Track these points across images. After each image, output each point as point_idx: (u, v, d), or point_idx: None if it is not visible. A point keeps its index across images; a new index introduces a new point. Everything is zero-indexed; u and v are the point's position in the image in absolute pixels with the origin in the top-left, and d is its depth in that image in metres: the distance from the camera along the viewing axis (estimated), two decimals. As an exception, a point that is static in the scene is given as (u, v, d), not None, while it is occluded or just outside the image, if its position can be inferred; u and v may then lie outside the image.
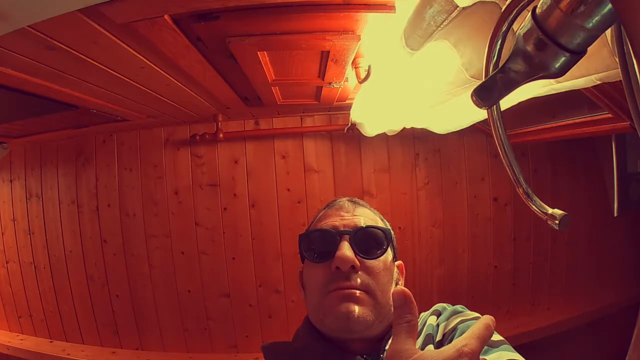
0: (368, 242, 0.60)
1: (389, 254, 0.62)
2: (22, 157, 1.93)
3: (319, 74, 1.09)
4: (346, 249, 0.57)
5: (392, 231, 0.64)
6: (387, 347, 0.56)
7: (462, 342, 0.33)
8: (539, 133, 1.47)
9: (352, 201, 0.68)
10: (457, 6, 0.51)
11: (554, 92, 0.62)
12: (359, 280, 0.56)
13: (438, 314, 0.62)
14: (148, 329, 1.86)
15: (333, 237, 0.59)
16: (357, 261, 0.57)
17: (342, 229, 0.60)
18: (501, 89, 0.31)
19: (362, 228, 0.60)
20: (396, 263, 0.66)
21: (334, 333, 0.57)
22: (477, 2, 0.47)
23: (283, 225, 1.82)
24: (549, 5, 0.26)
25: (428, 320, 0.61)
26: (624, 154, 1.42)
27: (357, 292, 0.55)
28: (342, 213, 0.64)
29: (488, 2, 0.47)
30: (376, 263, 0.59)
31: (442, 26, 0.59)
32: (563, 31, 0.26)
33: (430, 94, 0.88)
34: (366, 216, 0.64)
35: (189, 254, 1.83)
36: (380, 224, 0.65)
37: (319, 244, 0.61)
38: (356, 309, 0.54)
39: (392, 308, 0.59)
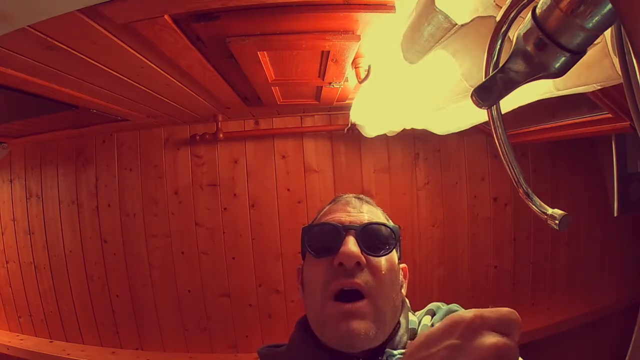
0: (374, 239, 0.56)
1: (395, 255, 0.59)
2: (22, 157, 1.93)
3: (319, 74, 1.09)
4: (351, 244, 0.53)
5: (400, 230, 0.61)
6: (385, 350, 0.55)
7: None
8: (539, 133, 1.48)
9: (358, 198, 0.64)
10: (456, 23, 0.50)
11: (555, 95, 0.62)
12: (362, 278, 0.53)
13: (432, 313, 0.60)
14: (148, 329, 1.86)
15: (338, 232, 0.55)
16: (362, 258, 0.53)
17: (347, 223, 0.57)
18: (501, 89, 0.31)
19: (369, 224, 0.57)
20: (400, 266, 0.63)
21: (332, 346, 0.54)
22: (476, 17, 0.47)
23: (283, 225, 1.82)
24: (549, 5, 0.26)
25: (422, 320, 0.59)
26: (624, 154, 1.42)
27: (360, 305, 0.52)
28: (349, 209, 0.61)
29: (486, 16, 0.46)
30: (382, 262, 0.56)
31: (440, 42, 0.58)
32: (563, 31, 0.26)
33: (430, 101, 0.88)
34: (372, 213, 0.61)
35: (189, 254, 1.83)
36: (387, 222, 0.62)
37: (322, 238, 0.57)
38: (359, 326, 0.51)
39: (396, 312, 0.58)
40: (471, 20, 0.48)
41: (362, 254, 0.54)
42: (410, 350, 0.35)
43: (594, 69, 0.43)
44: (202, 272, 1.83)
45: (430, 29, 0.55)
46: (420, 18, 0.55)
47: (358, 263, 0.53)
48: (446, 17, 0.49)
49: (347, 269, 0.53)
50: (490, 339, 0.30)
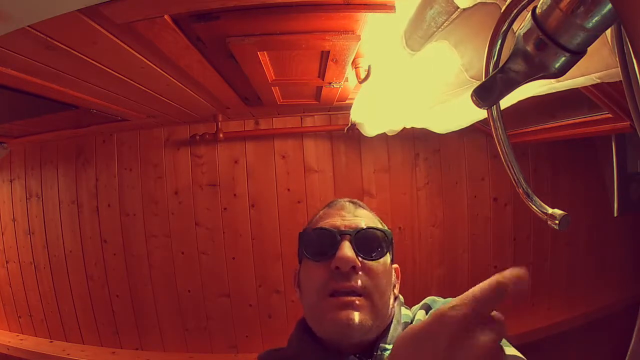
0: (369, 243, 0.59)
1: (388, 257, 0.62)
2: (22, 157, 1.93)
3: (319, 74, 1.09)
4: (347, 249, 0.56)
5: (392, 233, 0.63)
6: (380, 345, 0.56)
7: (450, 303, 0.29)
8: (539, 133, 1.47)
9: (352, 202, 0.67)
10: (458, 7, 0.51)
11: (554, 90, 0.62)
12: (359, 281, 0.55)
13: (427, 307, 0.62)
14: (148, 329, 1.86)
15: (334, 237, 0.58)
16: (357, 262, 0.56)
17: (343, 229, 0.60)
18: (501, 89, 0.31)
19: (363, 229, 0.59)
20: (393, 266, 0.65)
21: (331, 337, 0.56)
22: (478, 3, 0.47)
23: (283, 225, 1.82)
24: (549, 5, 0.26)
25: (417, 314, 0.61)
26: (624, 154, 1.42)
27: (356, 299, 0.54)
28: (343, 213, 0.63)
29: (489, 3, 0.46)
30: (376, 265, 0.58)
31: (442, 27, 0.58)
32: (563, 31, 0.26)
33: (430, 94, 0.88)
34: (367, 218, 0.64)
35: (189, 254, 1.83)
36: (380, 226, 0.65)
37: (319, 243, 0.60)
38: (356, 316, 0.53)
39: (390, 310, 0.59)
40: (474, 5, 0.48)
41: (357, 258, 0.57)
42: (396, 350, 0.33)
43: (593, 57, 0.43)
44: (202, 272, 1.83)
45: (432, 13, 0.55)
46: (425, 1, 0.55)
47: (353, 267, 0.56)
48: None
49: (343, 272, 0.55)
50: (480, 339, 0.28)
